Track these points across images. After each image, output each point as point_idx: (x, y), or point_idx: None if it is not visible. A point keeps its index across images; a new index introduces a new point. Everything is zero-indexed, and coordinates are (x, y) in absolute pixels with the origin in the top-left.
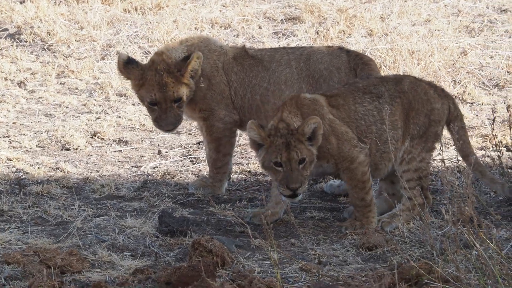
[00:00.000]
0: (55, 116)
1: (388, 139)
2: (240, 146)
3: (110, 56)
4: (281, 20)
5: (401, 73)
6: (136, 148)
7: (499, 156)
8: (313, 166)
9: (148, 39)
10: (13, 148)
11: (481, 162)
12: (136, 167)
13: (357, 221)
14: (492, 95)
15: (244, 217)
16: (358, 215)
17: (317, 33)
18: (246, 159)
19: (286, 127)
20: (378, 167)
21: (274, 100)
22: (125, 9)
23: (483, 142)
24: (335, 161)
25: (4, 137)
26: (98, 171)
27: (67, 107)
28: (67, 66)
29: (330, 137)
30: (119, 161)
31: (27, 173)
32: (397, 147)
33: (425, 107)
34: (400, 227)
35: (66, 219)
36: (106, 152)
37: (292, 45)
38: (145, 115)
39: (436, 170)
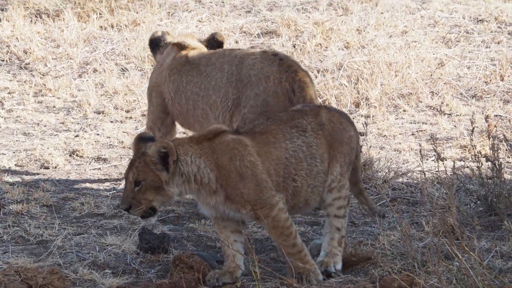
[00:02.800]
0: (33, 135)
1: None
2: None
3: (87, 74)
4: (258, 34)
5: (380, 85)
6: (115, 166)
7: (478, 167)
8: (164, 194)
9: (125, 55)
10: None
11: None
12: (116, 184)
13: (301, 271)
14: (470, 105)
15: (209, 283)
16: (297, 263)
17: (294, 46)
18: None
19: (154, 148)
20: (308, 202)
21: (203, 106)
22: (101, 26)
23: (462, 153)
24: (252, 208)
25: None
26: (77, 189)
27: (45, 126)
28: (45, 85)
29: (247, 181)
30: (99, 179)
31: (6, 192)
32: (325, 179)
33: (345, 136)
34: (381, 240)
35: (46, 238)
36: (85, 170)
37: None
38: (124, 132)
39: (416, 181)
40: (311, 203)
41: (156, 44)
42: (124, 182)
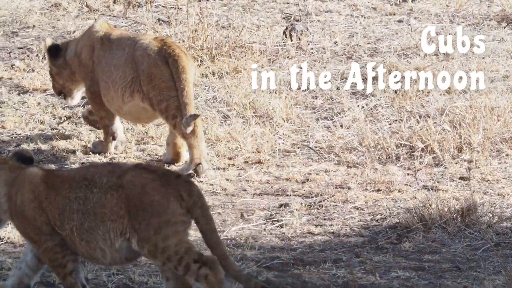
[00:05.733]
0: None
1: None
2: (322, 208)
3: None
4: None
5: (482, 129)
6: (219, 213)
7: None
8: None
9: (226, 103)
10: None
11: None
12: (219, 231)
13: None
14: None
15: None
16: None
17: (396, 92)
18: (329, 220)
19: None
20: (92, 255)
21: (107, 79)
22: (203, 74)
23: None
24: (29, 242)
25: None
26: None
27: None
28: (146, 133)
29: (20, 216)
30: None
31: None
32: (106, 238)
33: (143, 201)
34: (486, 284)
35: (151, 285)
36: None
37: (371, 105)
38: (226, 179)
39: None
40: (97, 257)
41: (58, 50)
42: None
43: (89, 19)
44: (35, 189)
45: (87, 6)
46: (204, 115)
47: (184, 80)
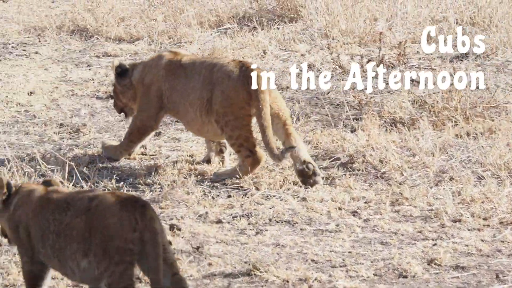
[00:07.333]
0: (390, 244)
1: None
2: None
3: (444, 182)
4: None
5: None
6: (474, 274)
7: None
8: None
9: (481, 163)
10: (350, 277)
11: None
12: None
13: None
14: None
15: None
16: None
17: None
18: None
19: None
20: (65, 272)
21: (184, 102)
22: (457, 134)
23: None
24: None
25: (340, 266)
26: None
27: (402, 235)
28: (401, 193)
29: (17, 232)
30: (457, 287)
31: None
32: (74, 258)
33: (101, 224)
34: None
35: None
36: (443, 278)
37: None
38: (481, 240)
39: None
40: (69, 274)
41: (125, 70)
42: None
43: (342, 80)
44: (31, 213)
45: (340, 66)
46: (458, 175)
47: (262, 100)
